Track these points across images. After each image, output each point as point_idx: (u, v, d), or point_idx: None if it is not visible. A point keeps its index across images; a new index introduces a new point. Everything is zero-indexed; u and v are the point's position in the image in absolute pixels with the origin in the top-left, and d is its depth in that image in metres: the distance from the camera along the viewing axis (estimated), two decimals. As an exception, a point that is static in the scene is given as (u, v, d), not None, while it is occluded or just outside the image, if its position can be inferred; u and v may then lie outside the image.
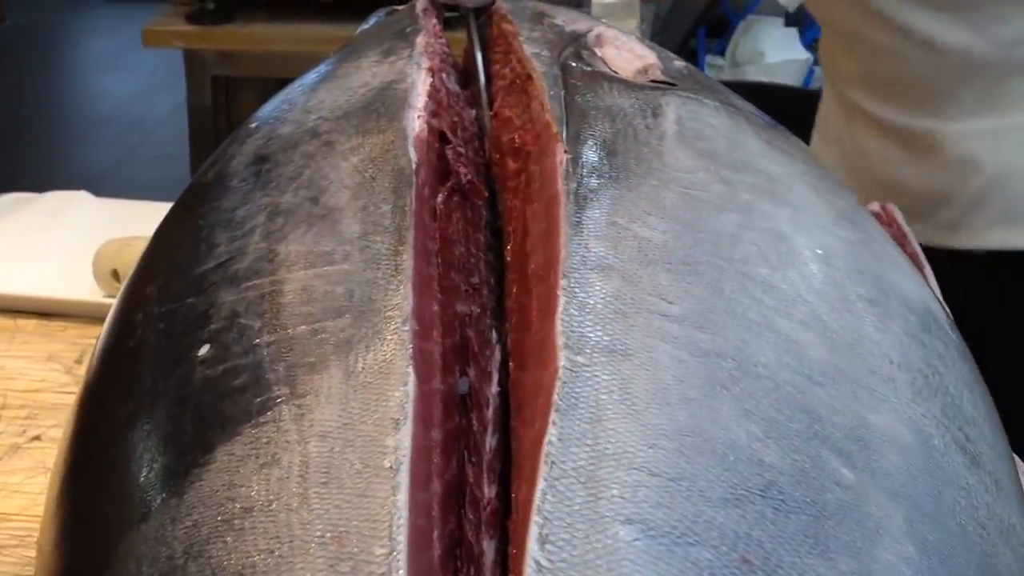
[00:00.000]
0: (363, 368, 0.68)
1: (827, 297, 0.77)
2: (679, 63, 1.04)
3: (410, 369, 0.68)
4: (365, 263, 0.76)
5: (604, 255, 0.75)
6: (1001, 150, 1.48)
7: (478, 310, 0.84)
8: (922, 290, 0.88)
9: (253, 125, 0.98)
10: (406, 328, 0.70)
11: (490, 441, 0.73)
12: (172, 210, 0.98)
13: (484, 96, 1.12)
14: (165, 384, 0.74)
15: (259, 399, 0.68)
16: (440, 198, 0.89)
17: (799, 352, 0.72)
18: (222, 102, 3.09)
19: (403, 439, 0.64)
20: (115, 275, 1.50)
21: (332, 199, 0.82)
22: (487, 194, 0.95)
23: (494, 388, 0.79)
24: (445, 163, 0.93)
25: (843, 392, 0.70)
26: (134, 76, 4.85)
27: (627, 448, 0.62)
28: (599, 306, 0.71)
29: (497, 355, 0.82)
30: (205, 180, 0.94)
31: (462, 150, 0.97)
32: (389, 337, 0.70)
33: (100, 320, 0.92)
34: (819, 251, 0.81)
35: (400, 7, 1.27)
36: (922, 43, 1.47)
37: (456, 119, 1.02)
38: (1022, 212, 1.49)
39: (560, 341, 0.68)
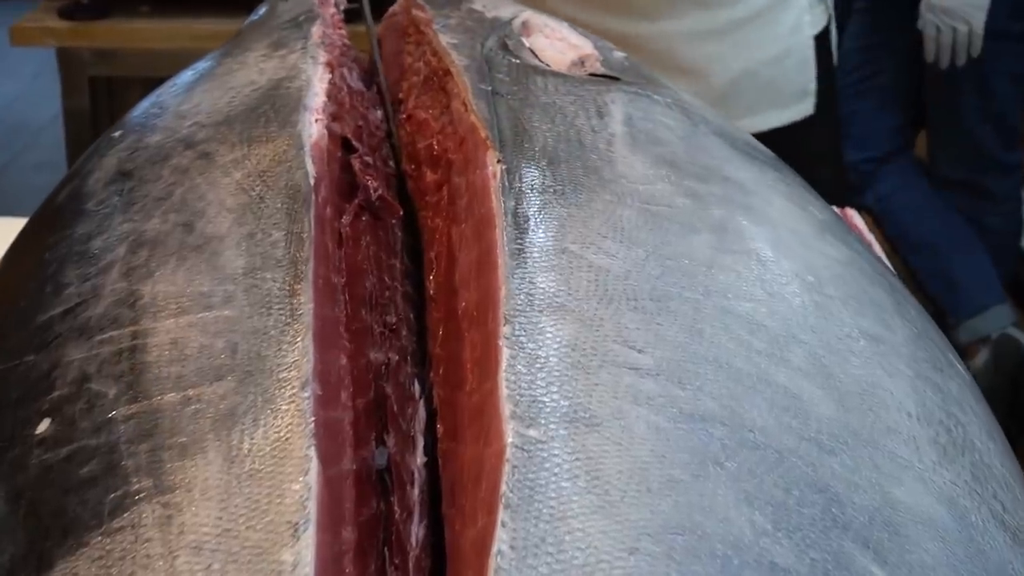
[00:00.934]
0: (250, 451, 0.52)
1: (825, 335, 0.63)
2: (619, 53, 0.89)
3: (312, 451, 0.52)
4: (252, 307, 0.60)
5: (554, 291, 0.60)
6: (721, 58, 1.44)
7: (396, 357, 0.69)
8: (920, 313, 0.74)
9: (116, 134, 0.81)
10: (306, 394, 0.54)
11: (416, 531, 0.58)
12: (18, 237, 0.80)
13: (387, 94, 0.96)
14: (-7, 472, 0.57)
15: (113, 495, 0.52)
16: (345, 219, 0.73)
17: (802, 410, 0.58)
18: (103, 105, 2.84)
19: (304, 551, 0.48)
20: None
21: (210, 225, 0.66)
22: (401, 212, 0.79)
23: (419, 458, 0.63)
24: (350, 175, 0.77)
25: (860, 460, 0.56)
26: (14, 78, 4.58)
27: (601, 556, 0.47)
28: (553, 359, 0.56)
29: (422, 413, 0.67)
30: (56, 202, 0.77)
31: (369, 159, 0.81)
32: (284, 407, 0.54)
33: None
34: (809, 277, 0.67)
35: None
36: None
37: (361, 122, 0.86)
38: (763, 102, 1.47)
39: (506, 409, 0.53)
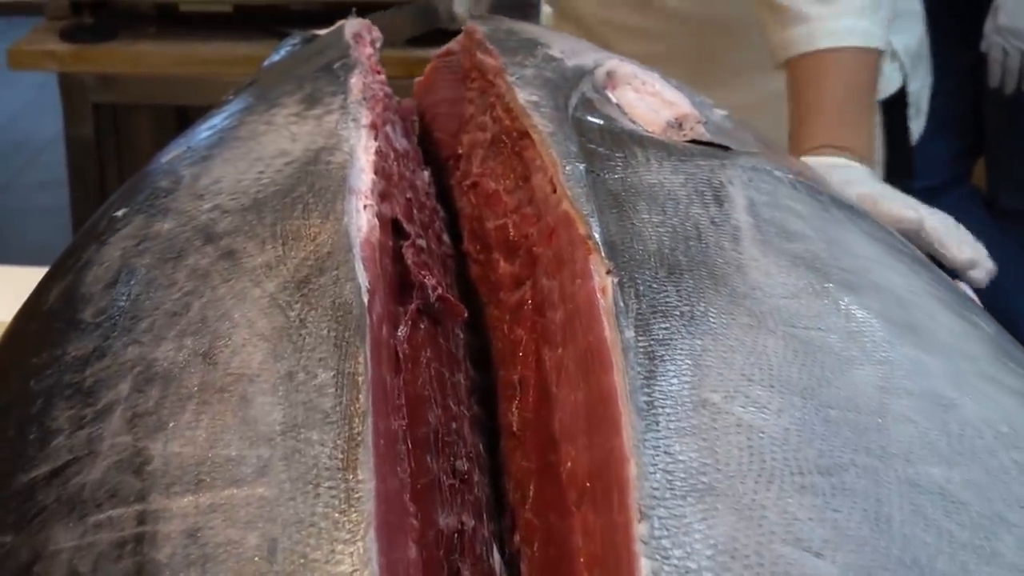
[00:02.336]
0: None
1: (1039, 512, 0.48)
2: (719, 111, 0.75)
3: None
4: (294, 484, 0.45)
5: (699, 466, 0.45)
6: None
7: (471, 521, 0.54)
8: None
9: (119, 213, 0.66)
10: (372, 627, 0.40)
11: None
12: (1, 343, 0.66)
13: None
14: None
15: None
16: (401, 332, 0.58)
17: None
18: (108, 134, 2.58)
19: None
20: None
21: (237, 358, 0.51)
22: (466, 313, 0.64)
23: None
24: (401, 265, 0.63)
25: None
26: (16, 91, 4.39)
27: None
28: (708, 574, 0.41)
29: (506, 593, 0.52)
30: (44, 302, 0.63)
31: (423, 242, 0.67)
32: (343, 646, 0.39)
33: None
34: (1003, 427, 0.52)
35: (321, 31, 0.96)
36: None
37: (410, 194, 0.72)
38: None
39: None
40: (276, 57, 0.93)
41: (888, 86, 1.32)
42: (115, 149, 2.62)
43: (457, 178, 0.78)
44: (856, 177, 0.94)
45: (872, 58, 1.03)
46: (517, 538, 0.54)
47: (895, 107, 1.34)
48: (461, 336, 0.67)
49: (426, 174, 0.79)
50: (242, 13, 2.60)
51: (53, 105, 2.76)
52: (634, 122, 0.70)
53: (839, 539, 0.44)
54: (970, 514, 0.47)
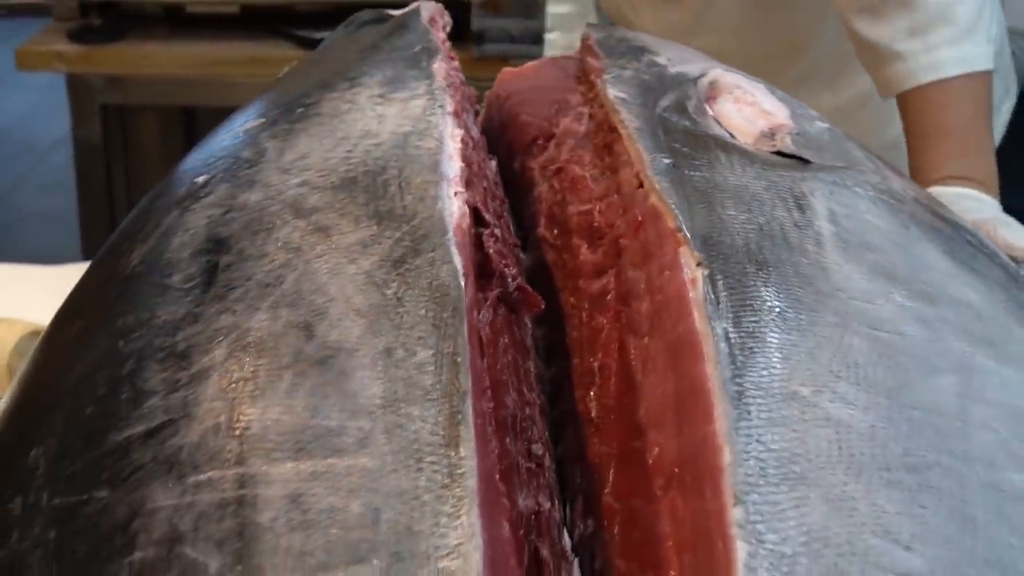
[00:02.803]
0: (407, 678, 0.39)
1: (1115, 519, 0.49)
2: (821, 124, 0.75)
3: None
4: (396, 457, 0.46)
5: (790, 455, 0.46)
6: None
7: (547, 503, 0.55)
8: None
9: (200, 178, 0.67)
10: (477, 596, 0.41)
11: None
12: (72, 304, 0.66)
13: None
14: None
15: None
16: (484, 316, 0.59)
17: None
18: (115, 135, 2.58)
19: None
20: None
21: (335, 331, 0.52)
22: (543, 304, 0.65)
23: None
24: (482, 256, 0.64)
25: None
26: (22, 93, 4.35)
27: None
28: (803, 560, 0.42)
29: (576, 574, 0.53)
30: (126, 264, 0.63)
31: (499, 232, 0.68)
32: (450, 614, 0.40)
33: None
34: (1081, 436, 0.53)
35: (393, 11, 0.96)
36: None
37: (485, 184, 0.73)
38: None
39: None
40: (344, 32, 0.94)
41: None
42: (122, 150, 2.63)
43: (541, 162, 0.78)
44: (982, 207, 0.93)
45: (981, 81, 1.02)
46: (590, 522, 0.55)
47: None
48: (530, 326, 0.68)
49: (493, 163, 0.81)
50: (248, 14, 2.62)
51: (58, 108, 2.75)
52: (727, 131, 0.71)
53: (926, 534, 0.45)
54: (1050, 519, 0.48)
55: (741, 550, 0.42)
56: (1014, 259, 0.82)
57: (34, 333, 0.99)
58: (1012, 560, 0.45)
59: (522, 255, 0.74)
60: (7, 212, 3.63)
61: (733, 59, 1.26)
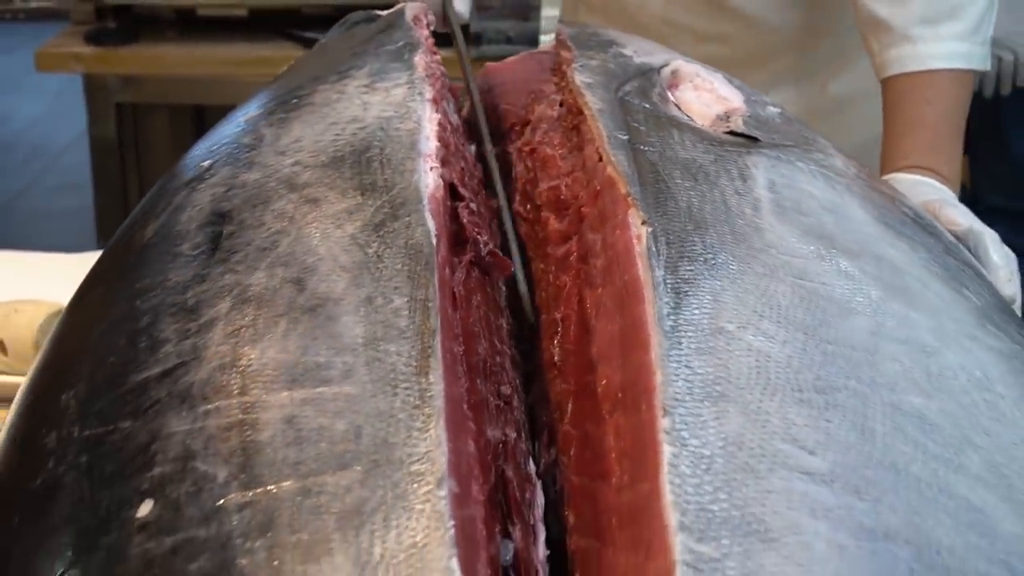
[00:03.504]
0: (383, 557, 0.47)
1: (1000, 439, 0.57)
2: (773, 108, 0.82)
3: (454, 562, 0.46)
4: (375, 384, 0.54)
5: (714, 378, 0.54)
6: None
7: (513, 434, 0.63)
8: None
9: (206, 163, 0.75)
10: (442, 493, 0.48)
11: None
12: (93, 275, 0.75)
13: (484, 127, 0.90)
14: (86, 559, 0.51)
15: (228, 601, 0.46)
16: (458, 276, 0.67)
17: (988, 527, 0.51)
18: (128, 132, 2.75)
19: None
20: (1, 347, 1.19)
21: (323, 284, 0.60)
22: (513, 268, 0.73)
23: (541, 551, 0.57)
24: (457, 225, 0.71)
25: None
26: (37, 98, 4.45)
27: None
28: (719, 460, 0.50)
29: (539, 497, 0.61)
30: (140, 238, 0.71)
31: (474, 205, 0.75)
32: (419, 506, 0.48)
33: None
34: (977, 373, 0.60)
35: (381, 12, 1.05)
36: None
37: (463, 163, 0.81)
38: None
39: (672, 518, 0.47)
40: (340, 30, 1.02)
41: None
42: (135, 146, 2.75)
43: (517, 145, 0.86)
44: (934, 192, 0.98)
45: (969, 78, 1.07)
46: (553, 451, 0.63)
47: None
48: (503, 289, 0.75)
49: (473, 148, 0.89)
50: (256, 17, 2.75)
51: (70, 112, 2.86)
52: (684, 114, 0.78)
53: (830, 442, 0.52)
54: (943, 434, 0.55)
55: (667, 451, 0.50)
56: (955, 235, 0.90)
57: (57, 312, 1.07)
58: (904, 463, 0.52)
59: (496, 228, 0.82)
60: (24, 210, 3.73)
61: (743, 45, 1.29)
